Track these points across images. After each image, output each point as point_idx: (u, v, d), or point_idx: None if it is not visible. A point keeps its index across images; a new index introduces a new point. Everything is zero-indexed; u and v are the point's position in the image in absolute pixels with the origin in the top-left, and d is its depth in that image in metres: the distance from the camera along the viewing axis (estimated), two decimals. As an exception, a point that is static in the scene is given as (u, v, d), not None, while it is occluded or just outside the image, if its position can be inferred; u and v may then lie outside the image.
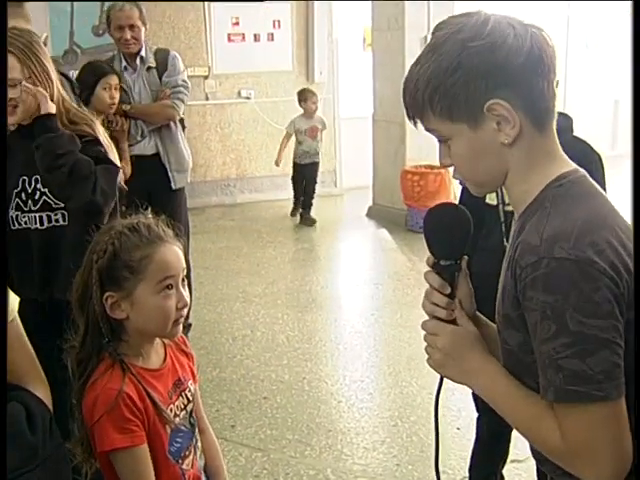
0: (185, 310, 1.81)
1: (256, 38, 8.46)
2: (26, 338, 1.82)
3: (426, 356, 1.44)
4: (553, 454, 1.29)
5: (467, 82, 1.28)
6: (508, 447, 2.90)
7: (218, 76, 8.43)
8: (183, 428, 1.83)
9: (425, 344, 1.42)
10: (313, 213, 7.78)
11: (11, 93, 2.54)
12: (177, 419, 1.82)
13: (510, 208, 2.61)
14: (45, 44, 7.62)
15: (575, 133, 2.60)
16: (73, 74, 4.18)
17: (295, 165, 7.87)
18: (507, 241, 2.57)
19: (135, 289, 1.75)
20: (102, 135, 2.72)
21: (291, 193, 8.04)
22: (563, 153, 1.38)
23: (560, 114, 2.63)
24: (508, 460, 3.00)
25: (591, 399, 1.20)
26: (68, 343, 1.81)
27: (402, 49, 7.07)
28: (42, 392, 1.77)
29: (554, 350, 1.21)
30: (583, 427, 1.22)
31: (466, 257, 1.44)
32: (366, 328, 5.03)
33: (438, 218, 1.42)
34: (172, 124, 4.51)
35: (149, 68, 4.47)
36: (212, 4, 8.23)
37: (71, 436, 1.83)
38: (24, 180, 2.62)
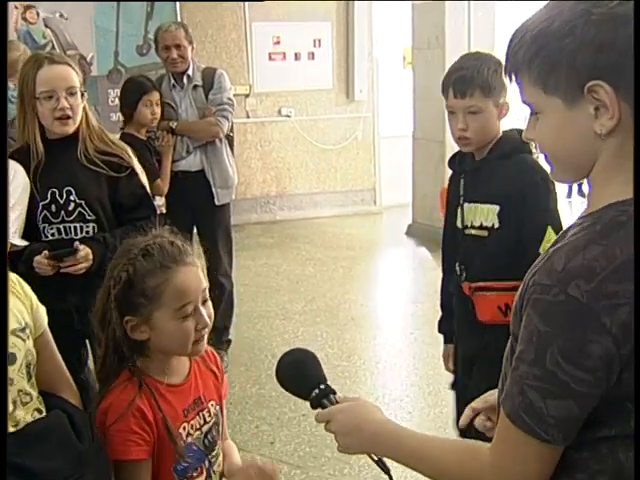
0: (206, 330, 1.78)
1: (297, 57, 8.53)
2: (55, 347, 1.86)
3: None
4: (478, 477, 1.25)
5: (575, 52, 1.13)
6: None
7: (259, 94, 8.50)
8: (194, 447, 1.81)
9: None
10: (352, 231, 7.78)
11: (71, 100, 2.65)
12: (189, 438, 1.80)
13: (468, 232, 2.50)
14: (91, 63, 7.81)
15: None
16: (116, 92, 4.31)
17: None
18: (460, 264, 2.51)
19: (152, 315, 1.74)
20: (135, 161, 2.84)
21: (331, 210, 8.01)
22: None
23: (519, 131, 2.58)
24: None
25: (536, 437, 1.15)
26: (83, 362, 1.84)
27: (442, 67, 7.05)
28: (73, 397, 1.83)
29: (525, 374, 1.16)
30: (516, 453, 1.18)
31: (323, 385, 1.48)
32: (405, 347, 5.01)
33: (281, 375, 1.52)
34: (217, 141, 4.58)
35: (195, 86, 4.55)
36: (254, 24, 8.32)
37: None
38: (53, 192, 2.71)
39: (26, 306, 1.75)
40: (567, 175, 1.29)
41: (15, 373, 1.64)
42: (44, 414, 1.72)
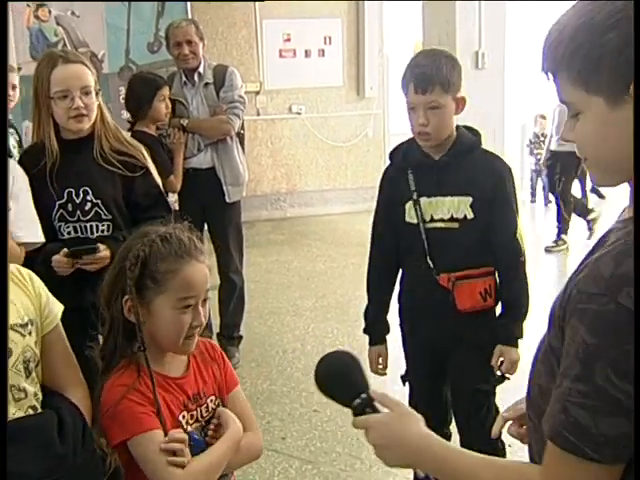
0: (199, 329, 1.81)
1: (307, 54, 8.55)
2: (68, 344, 1.87)
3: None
4: None
5: (620, 48, 1.05)
6: None
7: (269, 92, 8.53)
8: (195, 436, 1.81)
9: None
10: (362, 228, 7.76)
11: (86, 99, 2.65)
12: (189, 427, 1.81)
13: (432, 225, 2.52)
14: (102, 61, 7.82)
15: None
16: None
17: None
18: (430, 258, 2.52)
19: (155, 299, 1.76)
20: (149, 161, 2.84)
21: (341, 207, 7.99)
22: None
23: (468, 128, 2.67)
24: None
25: (583, 456, 1.07)
26: (94, 339, 1.84)
27: (453, 64, 7.06)
28: (81, 397, 1.81)
29: (568, 390, 1.08)
30: (567, 476, 1.10)
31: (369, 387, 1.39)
32: (416, 343, 5.01)
33: (327, 372, 1.41)
34: (228, 138, 4.57)
35: (207, 84, 4.54)
36: (264, 21, 8.35)
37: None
38: (70, 192, 2.72)
39: (33, 302, 1.76)
40: (608, 178, 1.19)
41: (9, 368, 1.64)
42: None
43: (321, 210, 8.77)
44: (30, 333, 1.72)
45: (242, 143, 4.75)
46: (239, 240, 4.70)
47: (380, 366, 2.77)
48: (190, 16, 7.25)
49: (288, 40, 8.48)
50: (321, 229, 8.18)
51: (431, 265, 2.53)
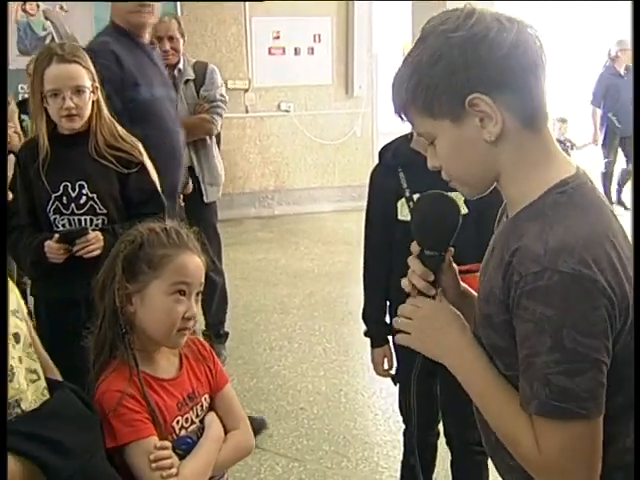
0: (191, 322, 1.81)
1: (296, 52, 8.55)
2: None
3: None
4: (524, 459, 1.27)
5: (448, 75, 1.24)
6: (436, 456, 2.84)
7: (258, 89, 8.51)
8: (188, 440, 1.82)
9: (402, 321, 1.40)
10: (350, 226, 7.78)
11: (77, 99, 2.65)
12: (183, 431, 1.82)
13: None
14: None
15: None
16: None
17: None
18: None
19: (149, 284, 1.77)
20: (145, 157, 2.82)
21: (329, 205, 7.96)
22: (563, 154, 1.33)
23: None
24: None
25: (573, 416, 1.19)
26: (82, 335, 1.84)
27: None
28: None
29: (545, 364, 1.19)
30: (561, 443, 1.21)
31: (451, 249, 1.45)
32: (403, 341, 5.02)
33: (429, 208, 1.48)
34: (207, 137, 4.50)
35: (187, 81, 4.47)
36: (254, 18, 8.34)
37: None
38: (66, 185, 2.72)
39: (15, 291, 1.75)
40: (477, 189, 1.38)
41: (22, 352, 1.62)
42: (47, 394, 1.71)
43: (309, 208, 8.77)
44: (22, 318, 1.71)
45: (218, 143, 4.69)
46: (217, 240, 4.60)
47: (386, 366, 2.74)
48: (180, 13, 7.23)
49: (277, 38, 8.48)
50: (309, 227, 8.18)
51: None
